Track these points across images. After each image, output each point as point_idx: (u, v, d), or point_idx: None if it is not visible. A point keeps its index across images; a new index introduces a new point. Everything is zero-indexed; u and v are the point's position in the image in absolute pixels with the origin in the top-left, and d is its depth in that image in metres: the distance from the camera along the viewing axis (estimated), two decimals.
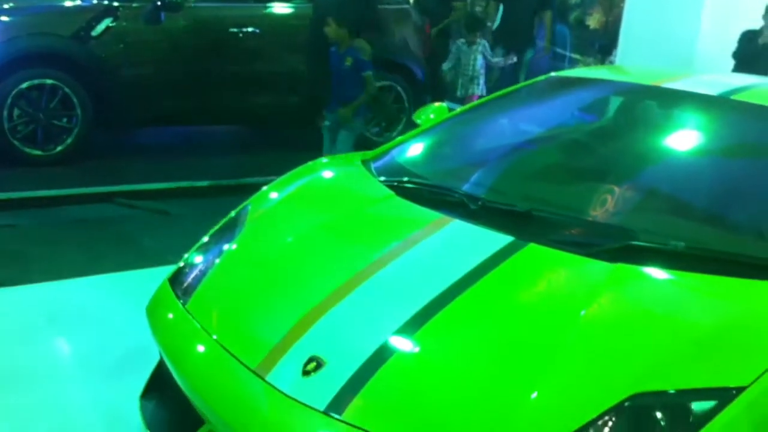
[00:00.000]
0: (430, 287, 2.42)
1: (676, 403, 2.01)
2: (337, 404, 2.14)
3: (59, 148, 6.50)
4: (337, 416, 2.11)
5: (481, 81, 8.11)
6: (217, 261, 2.83)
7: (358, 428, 2.08)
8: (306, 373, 2.24)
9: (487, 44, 8.13)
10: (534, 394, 2.05)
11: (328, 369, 2.23)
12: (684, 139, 3.32)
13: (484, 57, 8.04)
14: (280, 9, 7.36)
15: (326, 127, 5.99)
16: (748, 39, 6.97)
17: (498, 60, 8.30)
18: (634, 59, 7.73)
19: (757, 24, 6.95)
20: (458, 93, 8.12)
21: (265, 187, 3.31)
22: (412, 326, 2.29)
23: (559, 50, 8.77)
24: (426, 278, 2.48)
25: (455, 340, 2.27)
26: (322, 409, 2.14)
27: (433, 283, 2.43)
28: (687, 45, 7.79)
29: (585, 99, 3.76)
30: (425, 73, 7.98)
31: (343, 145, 5.66)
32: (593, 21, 8.46)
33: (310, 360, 2.26)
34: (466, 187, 3.02)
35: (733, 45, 7.14)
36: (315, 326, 2.38)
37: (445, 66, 8.22)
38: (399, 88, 7.80)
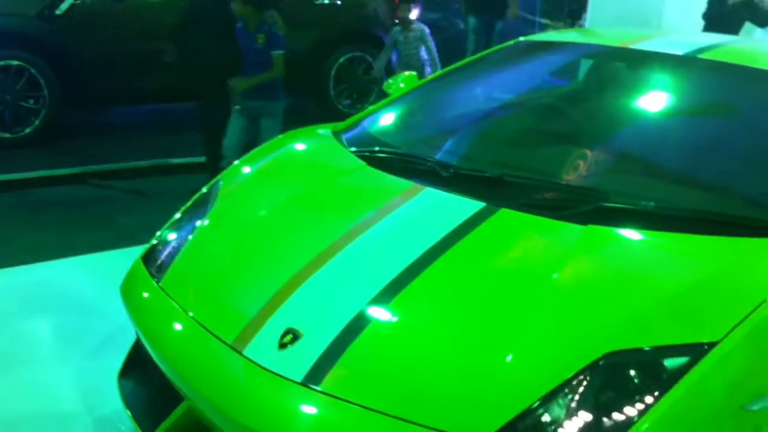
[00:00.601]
0: (404, 255, 2.42)
1: (650, 360, 2.03)
2: (315, 375, 2.15)
3: (28, 130, 6.43)
4: (315, 387, 2.12)
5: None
6: (190, 237, 2.82)
7: (337, 398, 2.09)
8: (283, 345, 2.24)
9: (426, 30, 6.79)
10: (509, 357, 2.07)
11: (304, 340, 2.24)
12: (653, 99, 3.33)
13: (425, 46, 6.77)
14: None
15: (237, 112, 5.42)
16: (718, 0, 6.98)
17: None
18: (604, 22, 7.73)
19: None
20: None
21: (236, 162, 3.30)
22: (387, 294, 2.30)
23: (528, 15, 8.75)
24: (400, 246, 2.49)
25: (430, 307, 2.28)
26: (299, 380, 2.15)
27: (407, 251, 2.44)
28: (656, 6, 7.80)
29: (554, 63, 3.76)
30: None
31: (269, 134, 5.06)
32: None
33: (287, 332, 2.27)
34: (437, 155, 3.02)
35: (701, 6, 7.15)
36: (291, 298, 2.38)
37: (377, 67, 7.00)
38: (370, 59, 7.76)
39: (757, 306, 2.13)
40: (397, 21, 6.88)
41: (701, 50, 3.36)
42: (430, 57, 6.81)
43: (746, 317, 2.10)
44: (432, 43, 6.78)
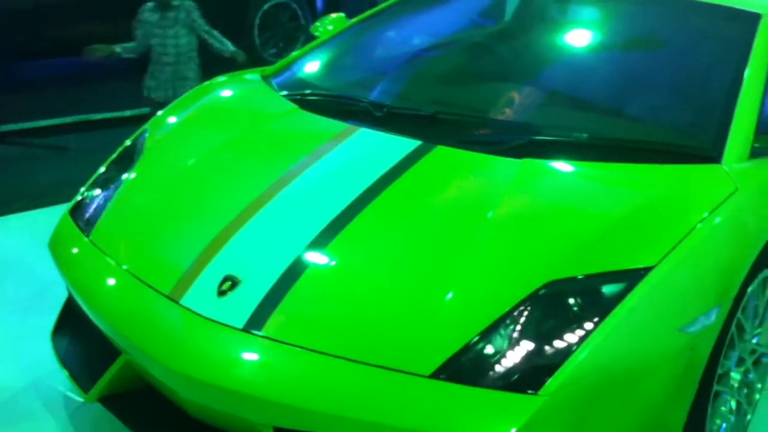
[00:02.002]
0: (340, 197, 2.39)
1: (587, 287, 2.06)
2: (256, 321, 2.12)
3: None
4: (257, 332, 2.10)
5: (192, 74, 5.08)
6: (118, 190, 2.73)
7: (280, 342, 2.07)
8: (222, 293, 2.20)
9: (194, 7, 5.02)
10: (449, 295, 2.07)
11: (243, 287, 2.20)
12: (581, 33, 3.34)
13: (193, 31, 5.01)
14: None
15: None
16: None
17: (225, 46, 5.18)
18: None
19: None
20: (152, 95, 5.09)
21: (161, 111, 3.20)
22: (325, 237, 2.27)
23: None
24: (336, 189, 2.46)
25: (369, 248, 2.26)
26: (240, 326, 2.11)
27: (343, 193, 2.41)
28: None
29: (480, 1, 3.73)
30: None
31: None
32: None
33: (225, 279, 2.23)
34: (370, 96, 2.98)
35: None
36: (227, 245, 2.33)
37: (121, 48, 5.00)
38: (294, 6, 7.61)
39: (690, 230, 2.18)
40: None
41: None
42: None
43: (680, 242, 2.14)
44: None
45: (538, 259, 2.13)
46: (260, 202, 2.45)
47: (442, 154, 2.53)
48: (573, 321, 1.99)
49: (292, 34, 7.68)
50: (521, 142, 2.54)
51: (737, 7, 3.13)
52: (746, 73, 2.75)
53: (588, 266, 2.09)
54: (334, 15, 3.95)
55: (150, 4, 5.01)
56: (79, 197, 2.83)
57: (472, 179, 2.48)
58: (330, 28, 3.77)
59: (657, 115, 2.83)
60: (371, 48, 3.57)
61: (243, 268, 2.25)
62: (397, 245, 2.26)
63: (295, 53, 3.48)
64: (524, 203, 2.34)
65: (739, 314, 2.31)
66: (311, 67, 3.34)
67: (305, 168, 2.56)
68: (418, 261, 2.19)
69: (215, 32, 5.17)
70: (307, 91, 3.02)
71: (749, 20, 2.99)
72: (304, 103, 2.93)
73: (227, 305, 2.17)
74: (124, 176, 2.79)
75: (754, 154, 2.58)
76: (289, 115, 2.89)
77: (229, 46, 5.23)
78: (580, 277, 2.07)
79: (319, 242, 2.27)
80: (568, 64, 3.14)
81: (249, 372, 2.07)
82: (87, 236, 2.60)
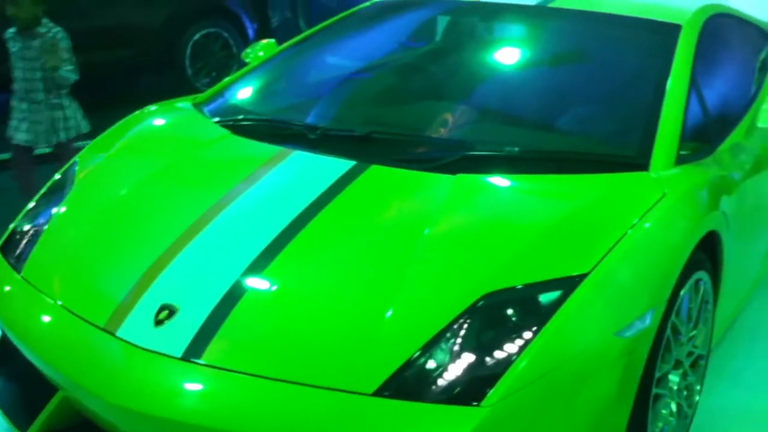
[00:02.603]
0: (276, 221, 2.39)
1: (525, 296, 2.08)
2: (195, 349, 2.09)
3: None
4: (196, 360, 2.07)
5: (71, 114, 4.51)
6: (49, 223, 2.68)
7: (221, 369, 2.05)
8: (159, 322, 2.17)
9: (61, 32, 4.41)
10: (389, 312, 2.08)
11: (181, 315, 2.17)
12: (509, 50, 3.40)
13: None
14: None
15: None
16: None
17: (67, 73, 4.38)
18: None
19: None
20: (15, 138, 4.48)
21: (91, 143, 3.15)
22: (262, 262, 2.26)
23: None
24: (272, 212, 2.45)
25: (307, 270, 2.26)
26: (179, 355, 2.08)
27: (279, 216, 2.40)
28: None
29: (412, 21, 3.77)
30: (252, 16, 7.79)
31: None
32: None
33: (162, 309, 2.20)
34: (304, 119, 2.99)
35: None
36: (162, 275, 2.30)
37: None
38: (226, 35, 7.60)
39: (621, 236, 2.22)
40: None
41: None
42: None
43: (612, 248, 2.18)
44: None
45: (475, 272, 2.14)
46: (195, 229, 2.42)
47: (377, 173, 2.55)
48: (512, 331, 2.01)
49: (224, 63, 7.66)
50: (455, 158, 2.57)
51: (658, 19, 3.22)
52: (669, 82, 2.83)
53: (524, 276, 2.12)
54: (264, 41, 3.95)
55: (11, 31, 4.35)
56: (8, 233, 2.76)
57: (407, 196, 2.49)
58: (261, 54, 3.77)
59: (586, 126, 2.89)
60: (303, 72, 3.58)
61: (180, 296, 2.22)
62: (336, 265, 2.25)
63: (226, 80, 3.47)
64: (460, 218, 2.37)
65: (673, 317, 2.36)
66: (243, 92, 3.34)
67: (240, 193, 2.55)
68: (357, 280, 2.19)
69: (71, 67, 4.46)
70: (240, 117, 3.01)
71: (670, 31, 3.08)
72: (237, 129, 2.92)
73: (165, 335, 2.14)
74: (55, 210, 2.74)
75: (680, 161, 2.65)
76: (221, 141, 2.87)
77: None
78: (517, 287, 2.10)
79: (257, 266, 2.25)
80: (498, 81, 3.19)
81: (191, 401, 2.04)
82: (19, 273, 2.54)
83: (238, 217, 2.46)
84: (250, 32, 7.75)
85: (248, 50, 3.90)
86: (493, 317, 2.04)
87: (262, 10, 9.12)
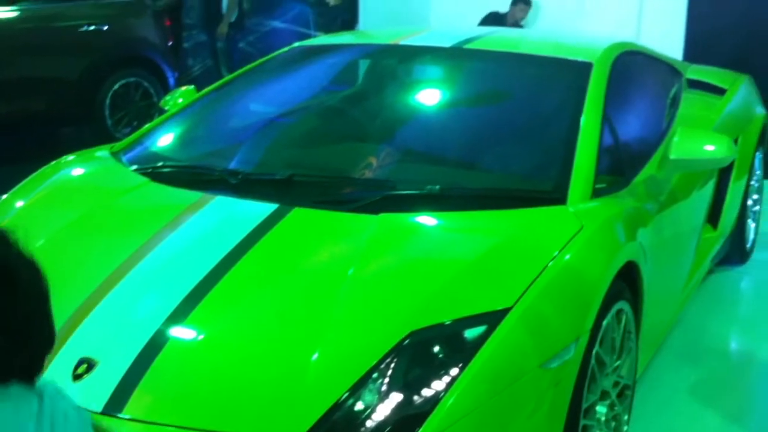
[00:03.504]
0: (198, 267, 2.35)
1: (450, 333, 2.09)
2: (116, 402, 2.02)
3: None
4: (118, 414, 2.00)
5: None
6: None
7: (143, 422, 1.99)
8: (77, 376, 2.10)
9: None
10: (315, 355, 2.06)
11: (100, 368, 2.10)
12: (427, 91, 3.46)
13: None
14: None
15: None
16: (494, 19, 7.38)
17: None
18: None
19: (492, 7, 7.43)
20: None
21: (5, 196, 3.06)
22: (184, 309, 2.22)
23: (302, 29, 8.84)
24: (193, 259, 2.41)
25: (230, 316, 2.22)
26: (99, 410, 2.01)
27: (201, 262, 2.36)
28: (422, 14, 8.14)
29: (331, 65, 3.80)
30: (173, 65, 7.75)
31: None
32: None
33: (81, 362, 2.13)
34: (225, 164, 2.97)
35: (467, 13, 7.52)
36: (81, 328, 2.23)
37: None
38: (146, 84, 7.53)
39: (542, 269, 2.25)
40: None
41: (467, 41, 3.53)
42: None
43: (534, 281, 2.21)
44: None
45: (400, 310, 2.14)
46: (114, 279, 2.36)
47: (300, 215, 2.54)
48: (439, 368, 2.01)
49: (145, 112, 7.56)
50: (377, 198, 2.58)
51: (570, 58, 3.32)
52: (582, 118, 2.90)
53: (449, 312, 2.13)
54: (183, 88, 3.92)
55: None
56: None
57: (330, 238, 2.49)
58: (180, 100, 3.73)
59: (506, 163, 2.94)
60: (223, 117, 3.57)
61: (99, 349, 2.16)
62: (260, 310, 2.23)
63: (144, 127, 3.43)
64: (383, 257, 2.37)
65: (597, 348, 2.38)
66: (162, 140, 3.29)
67: (161, 240, 2.50)
68: (282, 324, 2.17)
69: None
70: (159, 164, 2.97)
71: (582, 69, 3.17)
72: (157, 176, 2.88)
73: (84, 389, 2.07)
74: None
75: (597, 194, 2.71)
76: (140, 188, 2.83)
77: None
78: (442, 323, 2.10)
79: (179, 314, 2.20)
80: (418, 122, 3.23)
81: None
82: None
83: (158, 264, 2.41)
84: (171, 81, 7.69)
85: (167, 97, 3.86)
86: (420, 355, 2.04)
87: (182, 59, 9.09)
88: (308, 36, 8.78)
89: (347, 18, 8.48)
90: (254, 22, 9.14)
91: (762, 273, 4.74)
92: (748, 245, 4.76)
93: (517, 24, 7.53)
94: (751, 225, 4.80)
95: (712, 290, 4.36)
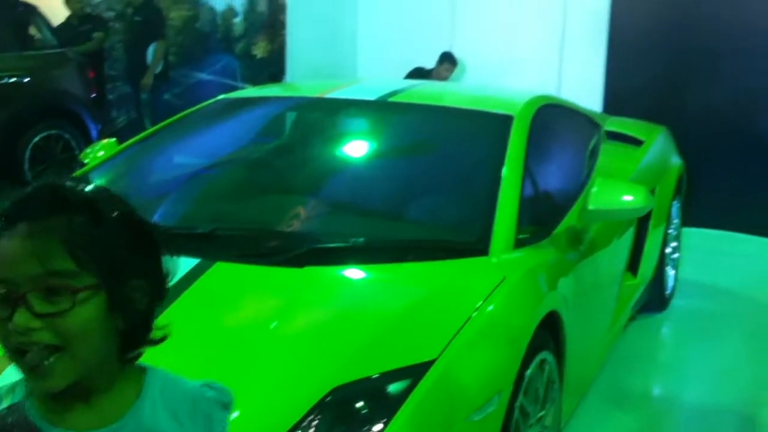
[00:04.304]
0: None
1: (373, 388, 2.07)
2: None
3: None
4: None
5: None
6: None
7: None
8: None
9: None
10: (235, 415, 2.00)
11: None
12: (352, 144, 3.48)
13: None
14: None
15: None
16: (419, 75, 7.50)
17: None
18: None
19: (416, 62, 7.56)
20: None
21: None
22: None
23: (229, 81, 8.83)
24: None
25: None
26: None
27: None
28: (349, 67, 8.23)
29: (256, 117, 3.79)
30: (96, 117, 7.63)
31: None
32: (259, 50, 8.61)
33: None
34: (147, 219, 2.90)
35: (394, 65, 7.63)
36: None
37: None
38: (67, 136, 7.39)
39: (466, 321, 2.26)
40: None
41: (391, 94, 3.56)
42: None
43: (457, 333, 2.21)
44: None
45: (323, 366, 2.11)
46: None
47: (222, 269, 2.50)
48: (362, 424, 1.98)
49: (67, 166, 7.41)
50: (302, 251, 2.56)
51: (492, 110, 3.38)
52: (504, 170, 2.94)
53: (372, 367, 2.11)
54: (104, 140, 3.86)
55: None
56: None
57: (253, 292, 2.46)
58: (101, 153, 3.66)
59: (430, 215, 2.96)
60: (146, 170, 3.51)
61: None
62: (178, 368, 2.16)
63: None
64: (307, 311, 2.35)
65: (521, 399, 2.39)
66: None
67: None
68: None
69: None
70: None
71: (503, 122, 3.23)
72: None
73: None
74: None
75: (519, 244, 2.74)
76: None
77: None
78: (365, 378, 2.08)
79: None
80: (343, 174, 3.24)
81: None
82: None
83: None
84: (94, 133, 7.57)
85: (87, 150, 3.78)
86: (343, 412, 2.01)
87: (106, 110, 8.96)
88: (235, 88, 8.78)
89: (274, 71, 8.50)
90: (180, 74, 9.09)
91: (682, 319, 4.85)
92: (668, 292, 4.87)
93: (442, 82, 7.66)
94: (671, 272, 4.92)
95: (635, 337, 4.44)
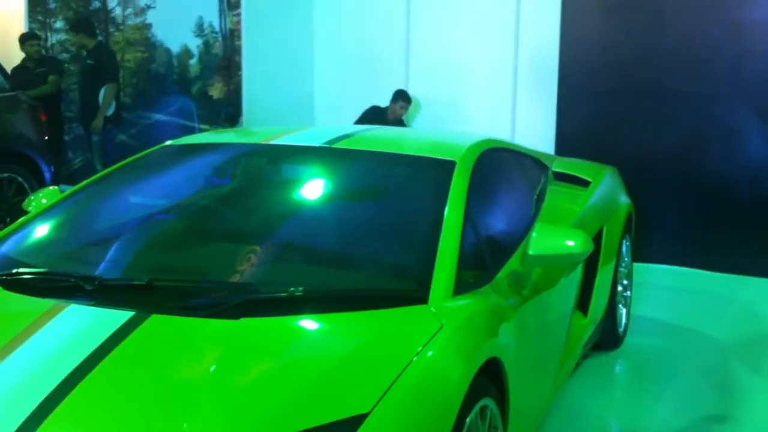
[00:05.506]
0: (46, 382, 2.23)
1: None
2: None
3: None
4: None
5: None
6: None
7: None
8: None
9: None
10: None
11: None
12: (294, 191, 3.47)
13: None
14: None
15: None
16: (377, 113, 7.56)
17: None
18: (259, 123, 8.01)
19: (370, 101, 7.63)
20: None
21: None
22: (28, 427, 2.10)
23: (186, 122, 8.82)
24: (42, 373, 2.30)
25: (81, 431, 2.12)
26: None
27: (49, 376, 2.25)
28: (306, 106, 8.27)
29: (201, 165, 3.77)
30: (48, 160, 7.56)
31: None
32: (215, 91, 8.63)
33: None
34: (83, 269, 2.88)
35: (350, 104, 7.69)
36: None
37: None
38: (20, 179, 7.31)
39: (401, 371, 2.25)
40: None
41: (337, 140, 3.57)
42: None
43: (393, 384, 2.20)
44: None
45: (254, 421, 2.09)
46: None
47: (157, 322, 2.47)
48: None
49: (19, 209, 7.32)
50: (238, 302, 2.54)
51: (435, 156, 3.40)
52: (445, 216, 2.95)
53: (306, 421, 2.08)
54: (50, 188, 3.81)
55: None
56: None
57: (188, 346, 2.42)
58: (44, 201, 3.62)
59: (371, 263, 2.96)
60: (87, 219, 3.47)
61: None
62: (109, 424, 2.13)
63: (1, 232, 3.30)
64: (240, 364, 2.32)
65: None
66: (20, 243, 3.17)
67: (7, 354, 2.38)
68: None
69: None
70: (14, 270, 2.85)
71: (446, 168, 3.25)
72: (9, 284, 2.76)
73: None
74: None
75: (460, 290, 2.74)
76: None
77: None
78: None
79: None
80: (283, 223, 3.22)
81: None
82: None
83: (3, 380, 2.29)
84: (47, 175, 7.50)
85: (31, 198, 3.74)
86: None
87: (62, 152, 8.88)
88: (193, 128, 8.77)
89: (230, 111, 8.51)
90: (136, 115, 9.07)
91: (635, 357, 4.88)
92: (621, 330, 4.91)
93: (397, 119, 7.71)
94: (623, 310, 4.96)
95: (588, 375, 4.47)
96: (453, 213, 2.98)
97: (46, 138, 7.64)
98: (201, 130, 8.59)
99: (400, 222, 3.14)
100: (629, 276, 5.08)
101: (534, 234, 3.07)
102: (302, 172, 3.55)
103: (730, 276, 6.35)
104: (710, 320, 5.50)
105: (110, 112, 8.17)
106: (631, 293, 5.11)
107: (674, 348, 5.02)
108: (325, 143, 3.55)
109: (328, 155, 3.50)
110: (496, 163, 3.71)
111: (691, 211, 6.58)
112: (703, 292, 6.16)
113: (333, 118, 7.99)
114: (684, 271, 6.53)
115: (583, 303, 4.17)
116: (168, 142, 3.91)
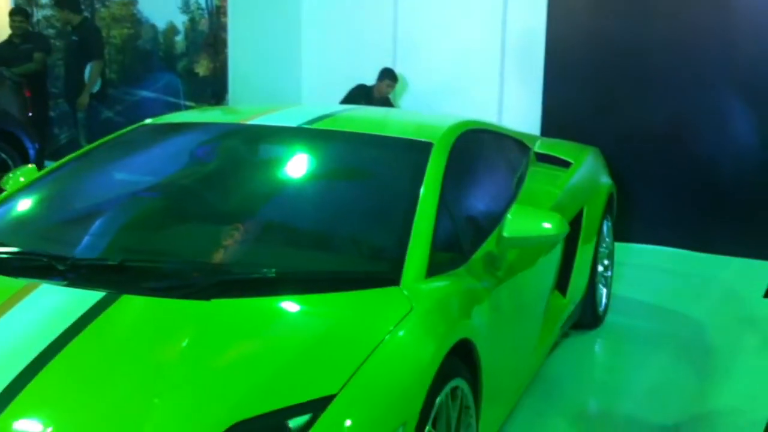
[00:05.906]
0: (17, 361, 2.24)
1: (274, 424, 2.06)
2: None
3: None
4: None
5: None
6: None
7: None
8: None
9: None
10: None
11: None
12: (269, 171, 3.46)
13: None
14: None
15: None
16: (364, 92, 7.52)
17: None
18: (245, 100, 7.97)
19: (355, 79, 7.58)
20: None
21: None
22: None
23: (171, 99, 8.78)
24: (12, 352, 2.30)
25: (49, 411, 2.13)
26: None
27: (20, 355, 2.26)
28: (292, 84, 8.23)
29: (178, 144, 3.75)
30: (32, 136, 7.53)
31: None
32: (201, 68, 8.59)
33: None
34: (57, 249, 2.87)
35: (337, 81, 7.65)
36: None
37: None
38: (4, 156, 7.29)
39: (370, 353, 2.26)
40: None
41: (316, 120, 3.56)
42: None
43: (361, 365, 2.21)
44: None
45: (226, 401, 2.10)
46: None
47: (128, 303, 2.47)
48: None
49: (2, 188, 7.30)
50: (210, 283, 2.54)
51: (412, 137, 3.39)
52: (420, 198, 2.95)
53: (275, 401, 2.10)
54: (28, 165, 3.80)
55: None
56: None
57: (158, 326, 2.43)
58: (22, 180, 3.61)
59: (345, 244, 2.96)
60: (63, 198, 3.45)
61: None
62: (79, 402, 2.14)
63: None
64: (211, 345, 2.33)
65: (429, 427, 2.38)
66: None
67: None
68: (99, 417, 2.08)
69: None
70: None
71: (422, 149, 3.24)
72: None
73: None
74: None
75: (433, 272, 2.74)
76: None
77: None
78: (267, 413, 2.07)
79: None
80: (257, 203, 3.22)
81: None
82: None
83: None
84: (32, 152, 7.48)
85: (9, 175, 3.73)
86: None
87: (48, 129, 8.83)
88: (179, 105, 8.73)
89: (216, 88, 8.47)
90: (122, 92, 9.02)
91: (615, 336, 4.91)
92: (601, 309, 4.93)
93: (384, 98, 7.68)
94: (603, 290, 4.98)
95: (567, 353, 4.49)
96: (428, 195, 2.98)
97: (30, 115, 7.61)
98: (187, 107, 8.56)
99: (376, 204, 3.14)
100: (610, 256, 5.10)
101: (509, 216, 3.08)
102: (278, 152, 3.54)
103: (712, 256, 6.39)
104: (691, 300, 5.53)
105: (96, 88, 8.13)
106: (612, 273, 5.13)
107: (654, 327, 5.05)
108: (305, 123, 3.53)
109: (305, 136, 3.48)
110: (475, 145, 3.70)
111: (676, 192, 6.60)
112: (685, 273, 6.19)
113: (320, 96, 7.95)
114: (666, 251, 6.56)
115: (562, 283, 4.18)
116: (147, 121, 3.89)
